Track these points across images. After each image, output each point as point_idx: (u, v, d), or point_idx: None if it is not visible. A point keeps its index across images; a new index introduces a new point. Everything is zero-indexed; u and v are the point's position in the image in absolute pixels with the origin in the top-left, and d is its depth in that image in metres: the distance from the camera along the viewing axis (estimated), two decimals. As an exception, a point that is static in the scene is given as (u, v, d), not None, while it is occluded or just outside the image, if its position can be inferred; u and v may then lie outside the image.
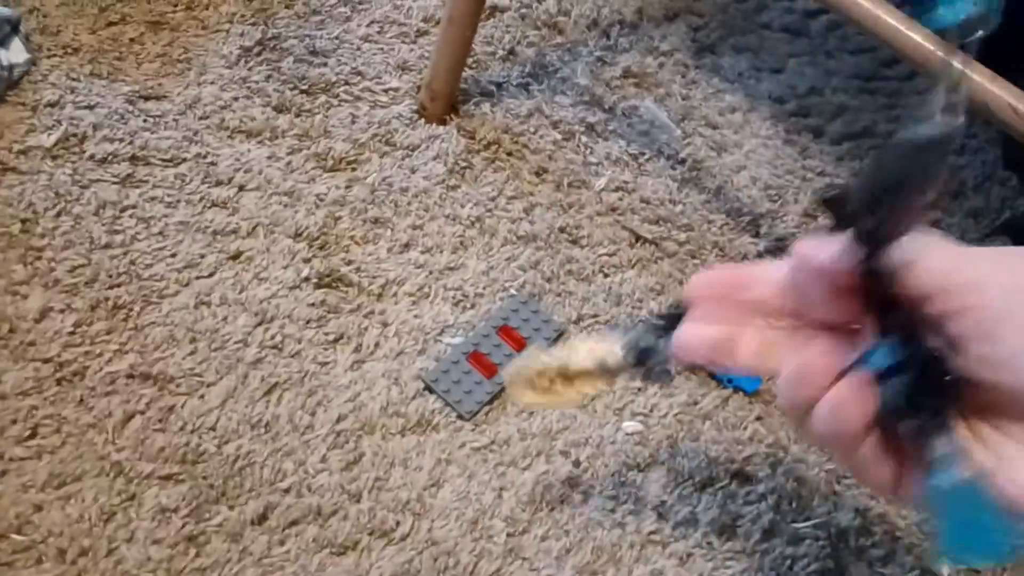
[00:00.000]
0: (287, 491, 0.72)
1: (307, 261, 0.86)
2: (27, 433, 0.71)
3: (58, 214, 0.83)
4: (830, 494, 0.80)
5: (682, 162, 1.03)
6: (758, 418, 0.83)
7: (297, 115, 0.96)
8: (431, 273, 0.88)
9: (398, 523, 0.73)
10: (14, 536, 0.66)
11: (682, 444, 0.81)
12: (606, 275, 0.91)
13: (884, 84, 1.19)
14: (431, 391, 0.80)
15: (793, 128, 1.09)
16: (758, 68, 1.16)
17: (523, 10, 1.13)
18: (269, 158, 0.92)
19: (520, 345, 0.83)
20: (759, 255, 0.96)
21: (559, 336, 0.85)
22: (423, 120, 0.99)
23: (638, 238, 0.94)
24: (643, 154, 1.02)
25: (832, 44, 1.22)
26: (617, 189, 0.98)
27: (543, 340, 0.84)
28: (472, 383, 0.80)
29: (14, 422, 0.71)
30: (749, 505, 0.78)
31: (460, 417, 0.79)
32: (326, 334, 0.82)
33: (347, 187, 0.92)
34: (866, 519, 0.79)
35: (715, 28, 1.19)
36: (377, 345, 0.82)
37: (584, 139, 1.02)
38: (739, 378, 0.84)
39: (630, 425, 0.81)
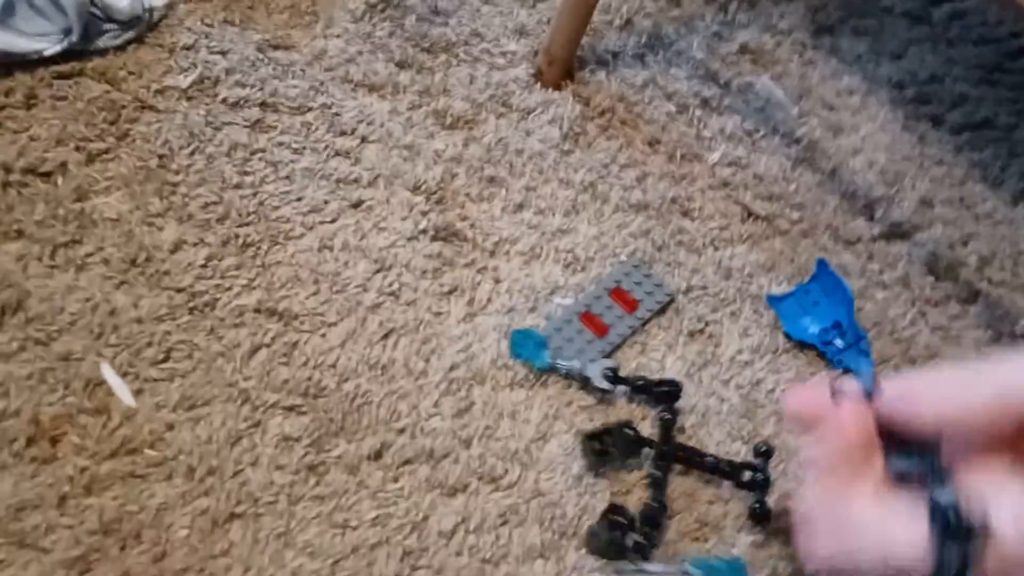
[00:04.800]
0: (402, 431, 0.74)
1: (424, 214, 0.88)
2: (161, 356, 0.74)
3: (192, 152, 0.86)
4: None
5: (797, 141, 1.02)
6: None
7: (418, 72, 0.98)
8: (543, 234, 0.89)
9: (506, 471, 0.74)
10: (148, 451, 0.70)
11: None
12: (716, 248, 0.91)
13: (1007, 76, 1.16)
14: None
15: (912, 115, 1.07)
16: (878, 52, 1.14)
17: (642, -19, 1.13)
18: (391, 112, 0.94)
19: (632, 307, 0.84)
20: (873, 239, 0.95)
21: (669, 303, 0.85)
22: (539, 84, 1.00)
23: (750, 214, 0.94)
24: (758, 131, 1.01)
25: (955, 32, 1.19)
26: (730, 164, 0.98)
27: (655, 303, 0.84)
28: (584, 342, 0.81)
29: (149, 345, 0.74)
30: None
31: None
32: (441, 285, 0.83)
33: (464, 145, 0.93)
34: None
35: (835, 9, 1.17)
36: (489, 300, 0.84)
37: (698, 112, 1.02)
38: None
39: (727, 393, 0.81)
